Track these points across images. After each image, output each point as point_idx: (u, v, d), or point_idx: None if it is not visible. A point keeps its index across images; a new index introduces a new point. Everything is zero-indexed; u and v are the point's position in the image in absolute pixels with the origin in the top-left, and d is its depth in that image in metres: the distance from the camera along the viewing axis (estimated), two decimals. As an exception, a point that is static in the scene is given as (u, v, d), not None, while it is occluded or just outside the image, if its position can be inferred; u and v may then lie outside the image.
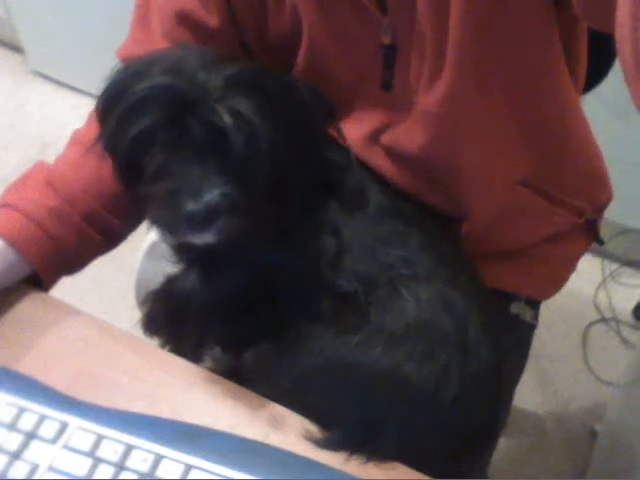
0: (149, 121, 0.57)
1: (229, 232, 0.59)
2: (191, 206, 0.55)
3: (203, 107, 0.57)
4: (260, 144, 0.58)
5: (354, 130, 0.73)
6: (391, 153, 0.74)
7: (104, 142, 0.64)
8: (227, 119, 0.56)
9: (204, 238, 0.59)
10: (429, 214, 0.75)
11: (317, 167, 0.67)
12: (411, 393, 0.63)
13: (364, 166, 0.74)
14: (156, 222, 0.61)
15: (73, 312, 0.72)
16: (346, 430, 0.63)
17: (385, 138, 0.74)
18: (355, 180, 0.71)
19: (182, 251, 0.71)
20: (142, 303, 0.82)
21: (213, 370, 0.69)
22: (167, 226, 0.60)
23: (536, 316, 0.92)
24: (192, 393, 0.66)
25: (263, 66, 0.65)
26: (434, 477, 0.61)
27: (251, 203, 0.59)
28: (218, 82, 0.58)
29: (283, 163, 0.60)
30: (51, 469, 0.59)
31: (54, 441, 0.61)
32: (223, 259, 0.68)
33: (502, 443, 0.86)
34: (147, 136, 0.58)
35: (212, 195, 0.56)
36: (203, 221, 0.56)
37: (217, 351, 0.74)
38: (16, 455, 0.60)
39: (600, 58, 0.79)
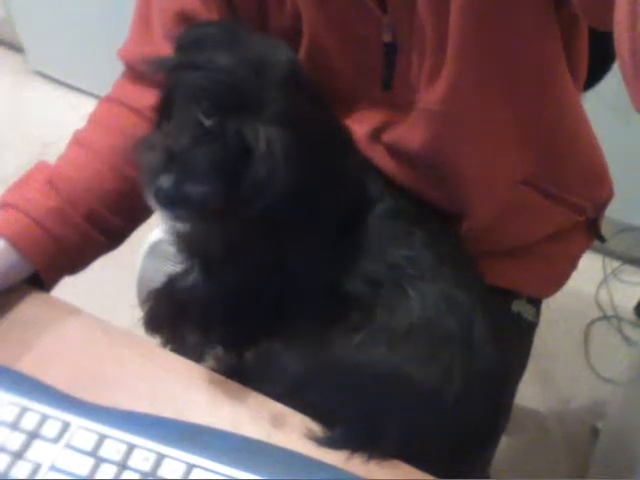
0: (198, 102, 0.58)
1: (185, 221, 0.60)
2: (167, 184, 0.55)
3: (248, 119, 0.56)
4: (273, 188, 0.56)
5: (355, 129, 0.73)
6: (392, 151, 0.74)
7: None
8: (261, 147, 0.55)
9: (159, 209, 0.58)
10: (430, 212, 0.75)
11: (336, 185, 0.65)
12: (414, 392, 0.63)
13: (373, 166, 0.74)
14: (139, 160, 0.60)
15: (74, 312, 0.72)
16: (348, 429, 0.63)
17: (386, 137, 0.74)
18: (372, 184, 0.70)
19: (183, 247, 0.71)
20: (143, 302, 0.82)
21: (215, 369, 0.69)
22: (143, 171, 0.59)
23: (537, 314, 0.92)
24: (193, 392, 0.66)
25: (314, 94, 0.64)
26: (436, 476, 0.61)
27: (228, 222, 0.59)
28: (272, 104, 0.57)
29: (294, 200, 0.59)
30: (53, 468, 0.59)
31: (56, 440, 0.61)
32: (225, 258, 0.68)
33: (503, 441, 0.86)
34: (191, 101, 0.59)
35: (194, 189, 0.55)
36: (166, 199, 0.56)
37: (219, 350, 0.74)
38: (18, 455, 0.60)
39: (600, 56, 0.79)
